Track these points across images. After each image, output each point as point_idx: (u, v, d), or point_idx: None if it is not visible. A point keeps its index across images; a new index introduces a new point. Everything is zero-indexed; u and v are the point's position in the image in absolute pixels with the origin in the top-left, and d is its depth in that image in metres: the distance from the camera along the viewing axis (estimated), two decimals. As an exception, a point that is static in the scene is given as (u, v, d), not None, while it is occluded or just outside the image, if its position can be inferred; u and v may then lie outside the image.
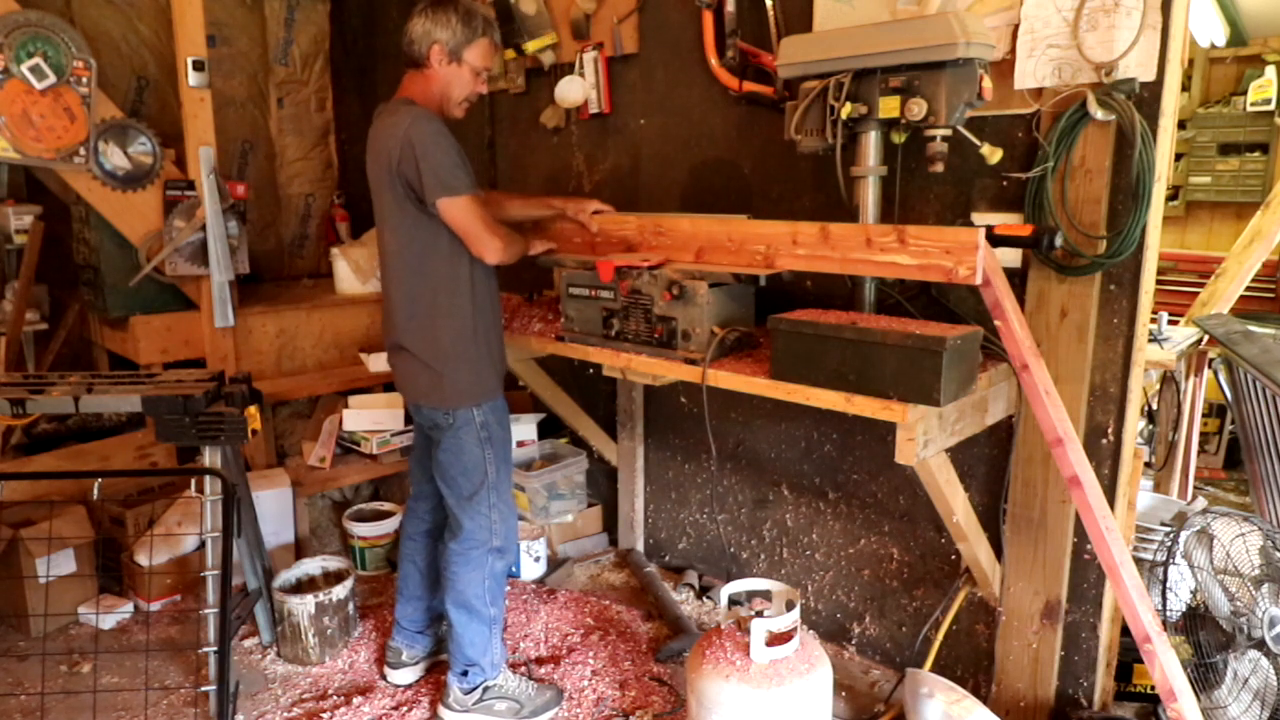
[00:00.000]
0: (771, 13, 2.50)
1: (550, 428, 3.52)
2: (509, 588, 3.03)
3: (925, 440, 1.84)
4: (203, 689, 2.40)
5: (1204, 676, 2.19)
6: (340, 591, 2.72)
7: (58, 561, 2.84)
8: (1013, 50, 2.02)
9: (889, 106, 1.96)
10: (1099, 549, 1.87)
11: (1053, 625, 2.22)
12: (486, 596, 2.35)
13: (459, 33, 2.18)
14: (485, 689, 2.39)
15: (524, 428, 3.36)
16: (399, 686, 2.58)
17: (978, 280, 1.77)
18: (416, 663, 2.61)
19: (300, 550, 3.28)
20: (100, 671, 2.65)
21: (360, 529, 3.28)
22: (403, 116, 2.13)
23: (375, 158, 2.19)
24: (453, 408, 2.26)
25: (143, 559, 2.95)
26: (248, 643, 2.82)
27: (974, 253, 1.75)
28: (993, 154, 2.01)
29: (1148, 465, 3.31)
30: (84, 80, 3.00)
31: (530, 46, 3.15)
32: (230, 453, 2.49)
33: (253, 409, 2.45)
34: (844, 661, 2.72)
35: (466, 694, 2.38)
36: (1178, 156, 5.67)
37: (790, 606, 2.03)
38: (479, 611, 2.34)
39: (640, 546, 3.38)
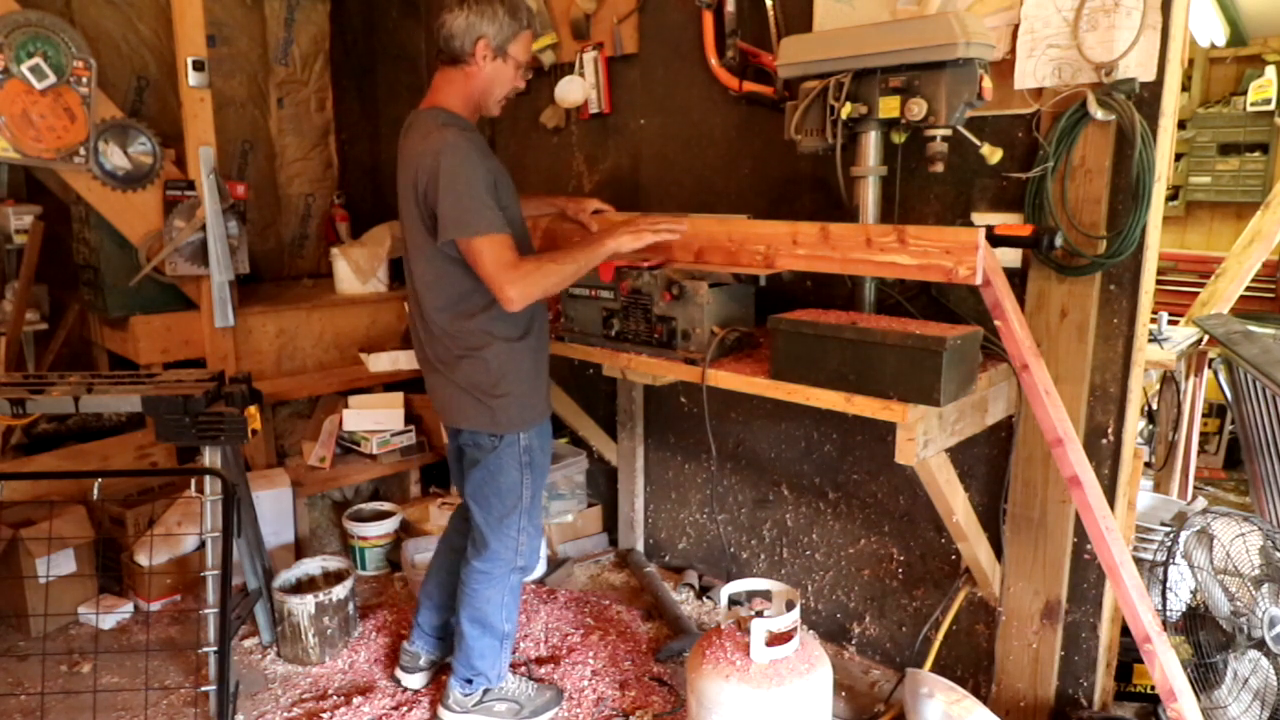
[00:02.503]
0: (771, 13, 2.50)
1: (550, 428, 3.52)
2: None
3: (925, 440, 1.84)
4: (203, 689, 2.40)
5: (1204, 676, 2.19)
6: (340, 591, 2.72)
7: (58, 561, 2.84)
8: (1013, 50, 2.02)
9: (889, 106, 1.96)
10: (1099, 549, 1.87)
11: (1053, 625, 2.22)
12: (503, 612, 2.33)
13: (506, 26, 2.03)
14: (485, 690, 2.39)
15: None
16: (412, 690, 2.55)
17: (978, 280, 1.77)
18: (433, 666, 2.59)
19: (300, 550, 3.28)
20: (100, 671, 2.65)
21: (360, 529, 3.28)
22: (434, 140, 1.98)
23: (403, 182, 2.06)
24: (499, 433, 2.18)
25: (143, 559, 2.95)
26: (248, 643, 2.81)
27: (974, 253, 1.75)
28: (993, 154, 2.00)
29: (1148, 465, 3.31)
30: (84, 80, 2.99)
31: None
32: (230, 453, 2.49)
33: (253, 409, 2.45)
34: (844, 661, 2.72)
35: (467, 696, 2.38)
36: (1178, 156, 5.67)
37: (790, 606, 2.03)
38: (495, 627, 2.33)
39: (640, 546, 3.38)
